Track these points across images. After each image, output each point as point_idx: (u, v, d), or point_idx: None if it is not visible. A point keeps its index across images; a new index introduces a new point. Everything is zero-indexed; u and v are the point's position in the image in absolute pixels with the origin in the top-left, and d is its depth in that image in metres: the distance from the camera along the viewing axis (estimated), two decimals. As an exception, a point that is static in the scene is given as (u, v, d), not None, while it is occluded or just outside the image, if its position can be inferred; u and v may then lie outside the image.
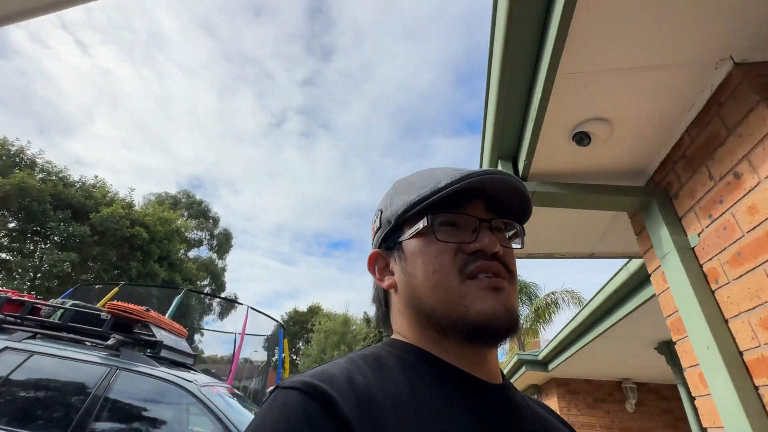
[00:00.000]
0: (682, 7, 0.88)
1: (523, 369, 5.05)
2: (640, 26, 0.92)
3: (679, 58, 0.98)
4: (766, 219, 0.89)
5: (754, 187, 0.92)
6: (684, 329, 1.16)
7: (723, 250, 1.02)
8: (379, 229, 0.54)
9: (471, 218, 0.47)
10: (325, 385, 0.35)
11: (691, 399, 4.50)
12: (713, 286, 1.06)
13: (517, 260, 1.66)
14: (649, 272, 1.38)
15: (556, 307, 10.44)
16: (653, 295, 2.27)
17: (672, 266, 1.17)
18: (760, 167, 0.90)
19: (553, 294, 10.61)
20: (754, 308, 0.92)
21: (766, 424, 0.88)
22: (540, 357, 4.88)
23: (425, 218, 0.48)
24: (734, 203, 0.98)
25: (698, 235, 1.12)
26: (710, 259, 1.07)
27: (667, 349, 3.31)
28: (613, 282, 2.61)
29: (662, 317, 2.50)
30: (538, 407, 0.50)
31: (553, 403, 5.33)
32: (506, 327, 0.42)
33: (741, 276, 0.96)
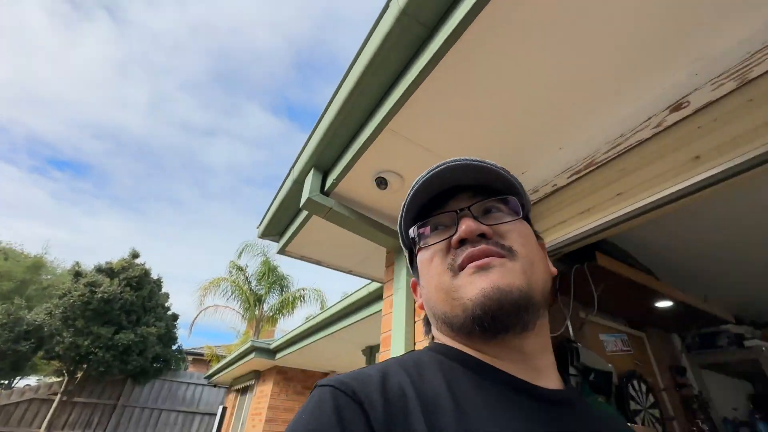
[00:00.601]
0: (481, 130, 1.24)
1: (253, 355, 5.21)
2: (454, 126, 1.22)
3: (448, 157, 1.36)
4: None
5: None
6: (390, 344, 1.55)
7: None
8: (407, 257, 0.58)
9: (450, 213, 0.47)
10: (356, 383, 0.36)
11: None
12: (416, 319, 1.49)
13: (292, 259, 1.72)
14: (384, 297, 1.77)
15: (302, 302, 11.41)
16: (377, 312, 2.89)
17: (399, 298, 1.55)
18: (466, 249, 1.36)
19: (303, 290, 11.52)
20: (431, 338, 1.36)
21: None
22: (272, 346, 5.17)
23: (410, 231, 0.50)
24: (446, 267, 1.43)
25: (421, 280, 1.55)
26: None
27: (369, 353, 4.23)
28: (355, 294, 3.15)
29: (376, 330, 3.16)
30: (604, 415, 0.46)
31: (268, 387, 5.69)
32: (498, 306, 0.39)
33: (432, 315, 1.40)
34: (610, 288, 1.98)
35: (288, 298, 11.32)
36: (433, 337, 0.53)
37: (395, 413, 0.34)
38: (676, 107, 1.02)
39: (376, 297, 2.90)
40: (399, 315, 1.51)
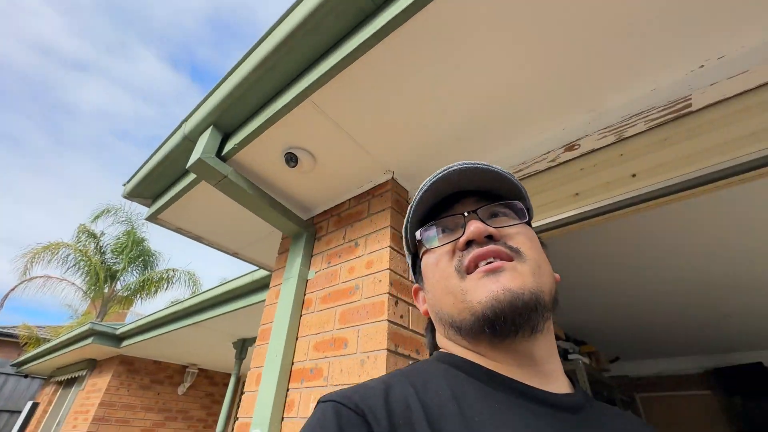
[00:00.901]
0: (390, 122, 1.21)
1: (90, 340, 4.29)
2: (381, 117, 1.17)
3: (373, 151, 1.32)
4: (351, 280, 1.28)
5: (359, 256, 1.33)
6: (268, 337, 1.41)
7: (323, 289, 1.37)
8: (408, 265, 0.59)
9: (456, 216, 0.47)
10: (358, 397, 0.36)
11: (237, 391, 5.31)
12: (304, 312, 1.38)
13: (166, 230, 1.45)
14: (270, 286, 1.61)
15: (169, 284, 9.99)
16: (259, 303, 2.66)
17: (289, 288, 1.43)
18: (368, 246, 1.32)
19: (173, 270, 10.12)
20: (317, 334, 1.27)
21: (279, 414, 1.17)
22: (119, 331, 4.35)
23: (416, 234, 0.49)
24: (345, 261, 1.36)
25: (316, 272, 1.45)
26: (313, 292, 1.40)
27: (241, 346, 3.89)
28: (236, 281, 2.85)
29: (255, 323, 2.91)
30: (618, 419, 0.44)
31: (105, 380, 4.77)
32: (510, 308, 0.39)
33: (322, 310, 1.31)
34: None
35: (152, 277, 9.77)
36: (434, 346, 0.53)
37: (399, 425, 0.34)
38: (570, 147, 1.16)
39: (260, 286, 2.66)
40: (284, 306, 1.38)
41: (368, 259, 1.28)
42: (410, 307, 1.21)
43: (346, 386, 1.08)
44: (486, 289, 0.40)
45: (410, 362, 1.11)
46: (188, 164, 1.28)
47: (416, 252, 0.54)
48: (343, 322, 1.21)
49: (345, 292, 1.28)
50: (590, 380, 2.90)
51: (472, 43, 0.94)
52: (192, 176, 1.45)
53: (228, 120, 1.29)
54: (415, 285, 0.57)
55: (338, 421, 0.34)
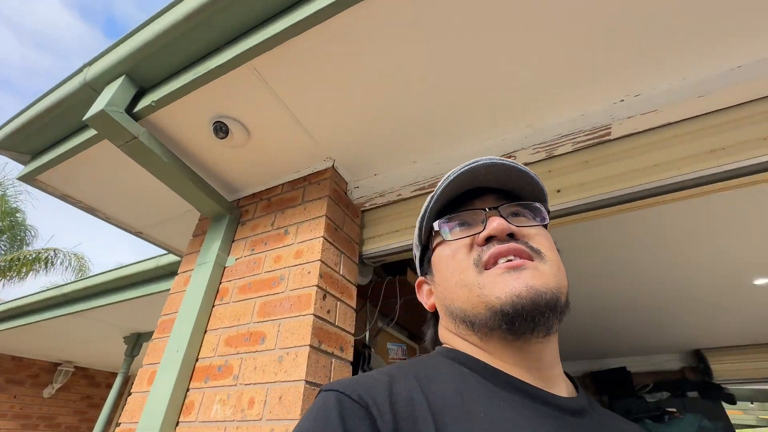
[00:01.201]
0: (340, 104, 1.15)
1: None
2: (329, 97, 1.09)
3: (316, 135, 1.23)
4: (276, 270, 1.18)
5: (287, 245, 1.23)
6: (170, 330, 1.22)
7: (242, 278, 1.24)
8: (415, 256, 0.58)
9: (478, 211, 0.47)
10: (361, 387, 0.36)
11: (123, 393, 4.66)
12: (217, 302, 1.23)
13: (48, 195, 1.19)
14: (179, 272, 1.41)
15: (47, 267, 8.40)
16: (163, 292, 2.34)
17: (201, 275, 1.26)
18: (300, 235, 1.22)
19: (54, 251, 8.55)
20: (230, 327, 1.14)
21: (173, 418, 1.01)
22: (-33, 319, 3.50)
23: (433, 225, 0.49)
24: (272, 249, 1.25)
25: (236, 259, 1.31)
26: (230, 281, 1.26)
27: (135, 341, 3.40)
28: (136, 266, 2.48)
29: (154, 313, 2.57)
30: (622, 425, 0.45)
31: (-66, 380, 3.80)
32: (532, 306, 0.38)
33: (240, 301, 1.18)
34: (407, 302, 2.22)
35: (23, 257, 8.12)
36: (435, 342, 0.53)
37: (403, 418, 0.33)
38: (507, 157, 1.21)
39: (167, 274, 2.35)
40: (194, 295, 1.21)
41: (298, 249, 1.19)
42: (338, 302, 1.15)
43: (258, 385, 0.98)
44: (507, 285, 0.40)
45: (332, 360, 1.05)
46: (86, 116, 1.06)
47: (427, 244, 0.53)
48: (263, 315, 1.10)
49: (268, 283, 1.17)
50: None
51: (420, 43, 0.93)
52: (90, 132, 1.20)
53: (146, 72, 1.10)
54: (420, 278, 0.56)
55: (341, 412, 0.33)
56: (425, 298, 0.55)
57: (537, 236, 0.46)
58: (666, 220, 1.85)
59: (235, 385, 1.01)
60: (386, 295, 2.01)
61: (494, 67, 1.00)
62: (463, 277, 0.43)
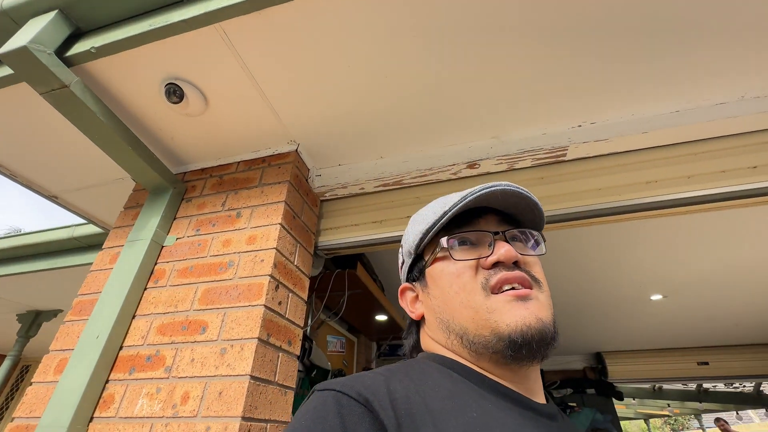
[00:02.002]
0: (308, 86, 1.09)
1: None
2: (302, 74, 1.02)
3: (282, 114, 1.16)
4: (224, 254, 1.09)
5: (239, 229, 1.14)
6: (88, 312, 1.07)
7: (183, 260, 1.12)
8: (403, 263, 0.57)
9: (484, 233, 0.47)
10: (360, 386, 0.35)
11: (10, 379, 4.06)
12: (150, 284, 1.10)
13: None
14: (104, 247, 1.24)
15: None
16: (77, 266, 2.06)
17: (133, 253, 1.12)
18: (254, 219, 1.14)
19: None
20: (165, 313, 1.03)
21: (86, 413, 0.89)
22: None
23: (441, 241, 0.48)
24: (221, 231, 1.15)
25: (177, 238, 1.18)
26: (168, 262, 1.14)
27: (32, 320, 2.95)
28: (43, 235, 2.14)
29: (60, 288, 2.27)
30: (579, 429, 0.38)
31: None
32: (540, 337, 0.40)
33: (179, 285, 1.07)
34: (353, 296, 2.20)
35: None
36: (416, 348, 0.54)
37: (402, 415, 0.33)
38: (472, 165, 1.25)
39: (83, 246, 2.06)
40: (122, 275, 1.07)
41: (251, 234, 1.11)
42: (290, 294, 1.10)
43: (195, 379, 0.89)
44: (517, 314, 0.41)
45: (280, 354, 1.00)
46: (1, 50, 0.87)
47: (421, 254, 0.53)
48: (206, 303, 1.01)
49: (214, 268, 1.07)
50: (426, 376, 3.25)
51: (396, 40, 0.91)
52: (4, 71, 1.00)
53: (87, 11, 0.94)
54: (406, 284, 0.56)
55: (339, 411, 0.33)
56: (410, 305, 0.55)
57: (535, 264, 0.47)
58: (593, 237, 2.06)
59: (167, 377, 0.91)
60: (333, 288, 1.98)
61: (466, 76, 1.02)
62: (470, 299, 0.44)
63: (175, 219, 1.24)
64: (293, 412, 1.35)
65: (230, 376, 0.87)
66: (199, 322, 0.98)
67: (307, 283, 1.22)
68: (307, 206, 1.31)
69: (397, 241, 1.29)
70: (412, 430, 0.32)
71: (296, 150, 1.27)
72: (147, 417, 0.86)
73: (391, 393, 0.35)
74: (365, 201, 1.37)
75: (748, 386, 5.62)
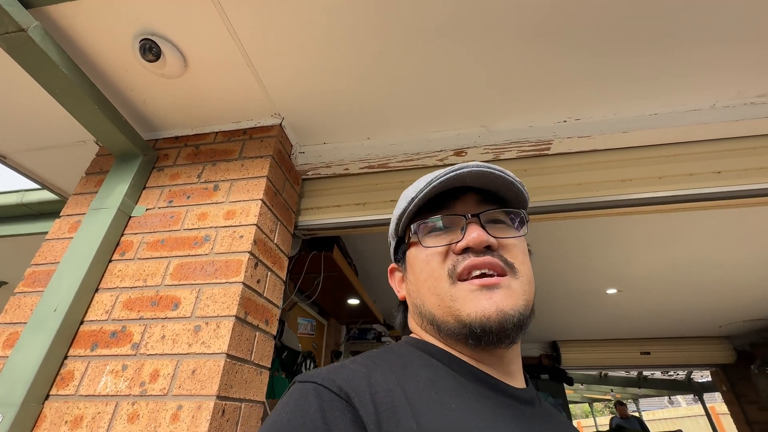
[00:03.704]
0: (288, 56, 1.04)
1: None
2: (294, 46, 0.96)
3: (268, 84, 1.10)
4: (200, 228, 1.04)
5: (217, 203, 1.08)
6: (44, 284, 0.98)
7: (154, 232, 1.05)
8: (390, 244, 0.58)
9: (455, 217, 0.46)
10: (341, 379, 0.35)
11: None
12: (116, 257, 1.03)
13: None
14: (62, 214, 1.14)
15: None
16: (24, 235, 1.89)
17: (97, 222, 1.03)
18: (233, 194, 1.09)
19: None
20: (132, 287, 0.96)
21: (42, 390, 0.83)
22: None
23: (411, 226, 0.48)
24: (196, 204, 1.09)
25: (147, 209, 1.11)
26: (136, 234, 1.06)
27: (-30, 290, 2.70)
28: (-14, 198, 1.94)
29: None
30: (556, 413, 0.49)
31: None
32: (500, 327, 0.39)
33: (148, 258, 1.00)
34: (327, 279, 2.18)
35: None
36: (405, 327, 0.54)
37: (383, 410, 0.33)
38: (459, 152, 1.25)
39: (34, 214, 1.89)
40: (84, 245, 0.99)
41: (230, 209, 1.06)
42: (269, 273, 1.06)
43: (165, 356, 0.85)
44: (479, 305, 0.40)
45: (257, 334, 0.97)
46: (-55, -20, 0.76)
47: (402, 236, 0.53)
48: (178, 278, 0.96)
49: (188, 242, 1.02)
50: (393, 360, 3.31)
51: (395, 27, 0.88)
52: (-54, 6, 0.87)
53: (51, -53, 0.83)
54: (394, 265, 0.57)
55: (320, 405, 0.32)
56: (397, 285, 0.56)
57: (513, 247, 0.45)
58: (563, 232, 2.15)
59: (135, 354, 0.86)
60: (308, 270, 1.95)
61: (458, 65, 1.01)
62: (436, 285, 0.44)
63: (144, 188, 1.16)
64: (268, 393, 1.33)
65: (205, 354, 0.83)
66: (171, 297, 0.93)
67: (286, 262, 1.18)
68: (289, 184, 1.27)
69: (380, 224, 1.28)
70: (392, 423, 0.32)
71: (280, 124, 1.21)
72: (112, 395, 0.81)
73: (371, 387, 0.35)
74: (349, 182, 1.35)
75: (681, 374, 6.19)
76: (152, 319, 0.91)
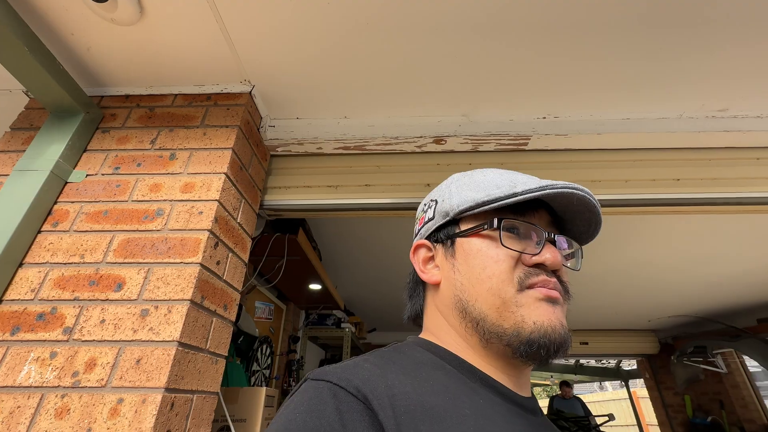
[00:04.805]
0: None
1: None
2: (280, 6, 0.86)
3: (239, 46, 0.99)
4: (151, 201, 0.92)
5: (173, 173, 0.97)
6: (-48, 255, 0.83)
7: (95, 202, 0.92)
8: (431, 220, 0.52)
9: (538, 229, 0.45)
10: (358, 380, 0.33)
11: None
12: (47, 227, 0.89)
13: None
14: (-21, 174, 0.97)
15: None
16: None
17: (23, 185, 0.88)
18: (193, 165, 0.98)
19: None
20: (66, 264, 0.84)
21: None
22: None
23: (494, 220, 0.45)
24: (149, 174, 0.96)
25: (88, 175, 0.96)
26: (73, 202, 0.92)
27: None
28: None
29: None
30: (552, 423, 0.48)
31: None
32: (560, 341, 0.40)
33: (87, 231, 0.88)
34: (290, 263, 2.10)
35: None
36: (418, 316, 0.53)
37: (401, 413, 0.31)
38: (438, 140, 1.22)
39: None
40: (8, 211, 0.84)
41: (188, 181, 0.95)
42: (230, 254, 0.98)
43: (105, 343, 0.75)
44: (546, 315, 0.40)
45: (214, 320, 0.89)
46: None
47: (458, 220, 0.48)
48: (123, 255, 0.85)
49: (137, 215, 0.90)
50: (352, 345, 3.30)
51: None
52: None
53: None
54: (424, 241, 0.52)
55: (337, 406, 0.31)
56: (422, 265, 0.51)
57: (566, 275, 0.47)
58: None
59: (67, 340, 0.75)
60: (271, 252, 1.85)
61: (444, 51, 0.97)
62: (501, 288, 0.42)
63: (85, 151, 1.01)
64: (223, 381, 1.25)
65: (153, 341, 0.74)
66: (114, 277, 0.82)
67: (249, 243, 1.09)
68: (257, 159, 1.17)
69: (352, 209, 1.22)
70: (411, 429, 0.31)
71: (250, 92, 1.10)
72: (36, 386, 0.70)
73: (389, 389, 0.33)
74: (322, 162, 1.27)
75: (612, 363, 6.80)
76: (90, 300, 0.79)
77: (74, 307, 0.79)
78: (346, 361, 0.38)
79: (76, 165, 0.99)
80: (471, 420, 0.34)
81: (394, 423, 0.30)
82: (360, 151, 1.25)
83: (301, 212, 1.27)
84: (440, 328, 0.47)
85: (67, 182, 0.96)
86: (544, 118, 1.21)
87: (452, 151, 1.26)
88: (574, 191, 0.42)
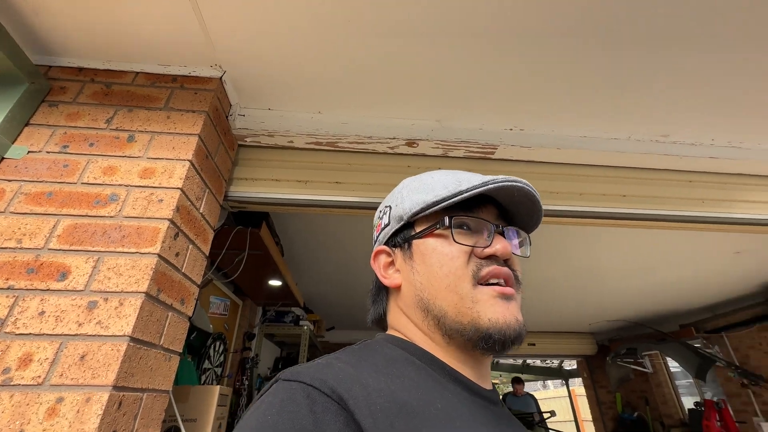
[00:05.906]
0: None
1: None
2: (239, -22, 0.83)
3: (212, 25, 0.94)
4: (104, 184, 0.85)
5: (130, 157, 0.90)
6: None
7: (37, 182, 0.84)
8: (387, 225, 0.53)
9: (486, 223, 0.47)
10: (333, 380, 0.33)
11: None
12: (-23, 207, 0.79)
13: None
14: None
15: None
16: None
17: (-50, 158, 0.78)
18: (153, 149, 0.92)
19: None
20: (0, 248, 0.75)
21: None
22: None
23: (445, 218, 0.46)
24: (102, 155, 0.89)
25: (29, 151, 0.87)
26: (11, 180, 0.83)
27: None
28: None
29: None
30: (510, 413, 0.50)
31: None
32: (515, 335, 0.42)
33: (26, 214, 0.79)
34: (251, 257, 2.02)
35: None
36: (381, 318, 0.53)
37: (377, 411, 0.31)
38: (411, 143, 1.24)
39: None
40: (-73, 187, 0.74)
41: (148, 166, 0.89)
42: (191, 246, 0.93)
43: (43, 337, 0.68)
44: (501, 312, 0.42)
45: (169, 314, 0.84)
46: None
47: (412, 223, 0.50)
48: (70, 242, 0.78)
49: (86, 199, 0.83)
50: (310, 344, 3.25)
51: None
52: None
53: None
54: (384, 247, 0.52)
55: (311, 407, 0.30)
56: (382, 269, 0.52)
57: (517, 265, 0.48)
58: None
59: (-3, 333, 0.68)
60: (231, 246, 1.78)
61: (422, 56, 0.99)
62: (458, 284, 0.43)
63: (28, 125, 0.92)
64: (176, 379, 1.18)
65: (100, 336, 0.69)
66: (57, 265, 0.75)
67: (211, 235, 1.05)
68: (224, 148, 1.12)
69: (321, 206, 1.21)
70: (387, 426, 0.31)
71: (221, 78, 1.06)
72: (-43, 384, 0.63)
73: (365, 388, 0.33)
74: (292, 156, 1.24)
75: (555, 363, 7.26)
76: (27, 290, 0.72)
77: (7, 296, 0.71)
78: (317, 360, 0.38)
79: (15, 139, 0.89)
80: (442, 414, 0.35)
81: (372, 421, 0.30)
82: (332, 148, 1.24)
83: (268, 206, 1.23)
84: (405, 327, 0.48)
85: (3, 158, 0.86)
86: (511, 129, 1.27)
87: (423, 155, 1.28)
88: (514, 183, 0.44)
